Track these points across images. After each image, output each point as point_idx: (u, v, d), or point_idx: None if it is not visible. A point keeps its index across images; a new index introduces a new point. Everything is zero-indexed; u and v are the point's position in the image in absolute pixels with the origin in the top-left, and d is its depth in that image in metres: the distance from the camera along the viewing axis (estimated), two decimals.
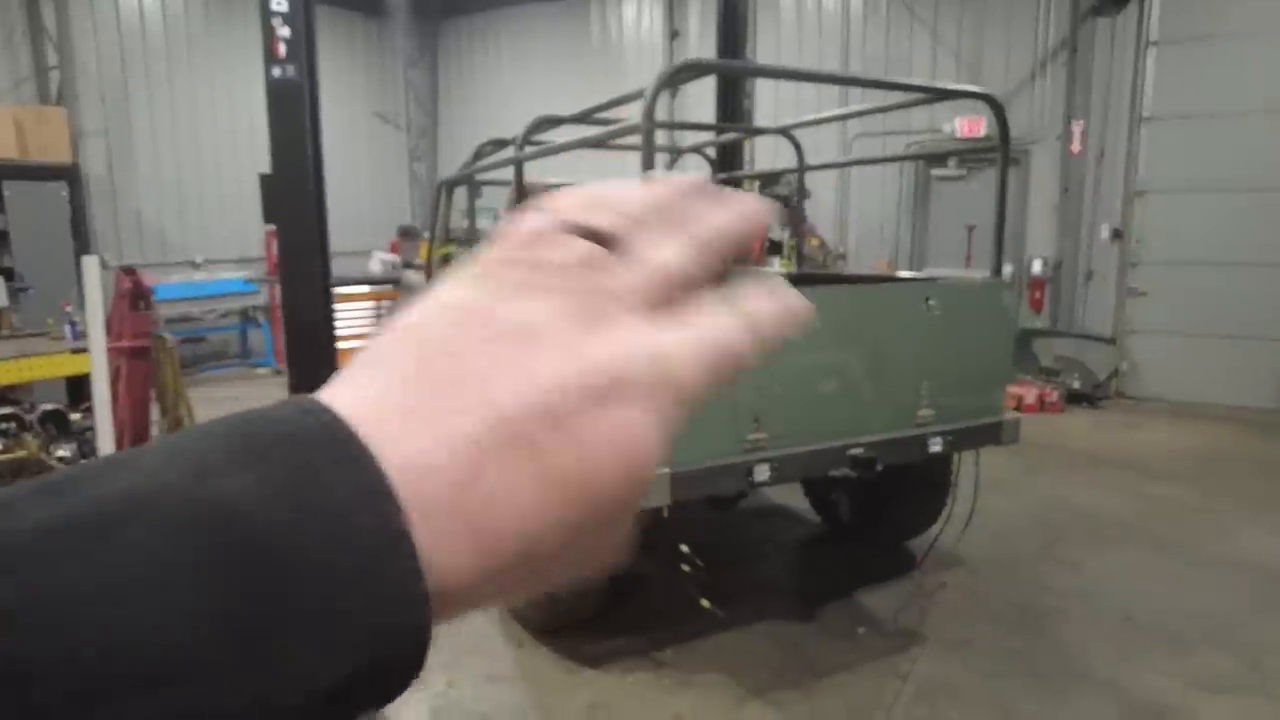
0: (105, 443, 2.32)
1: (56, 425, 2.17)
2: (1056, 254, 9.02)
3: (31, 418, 2.23)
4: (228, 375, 10.08)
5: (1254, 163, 7.55)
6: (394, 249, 9.44)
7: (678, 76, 2.90)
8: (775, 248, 8.77)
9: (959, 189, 9.62)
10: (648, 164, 2.82)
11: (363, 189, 12.64)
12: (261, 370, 10.29)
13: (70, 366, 4.65)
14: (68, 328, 5.36)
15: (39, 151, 7.82)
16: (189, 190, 10.77)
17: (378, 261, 9.43)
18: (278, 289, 10.20)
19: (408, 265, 8.83)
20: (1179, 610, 3.88)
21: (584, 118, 4.12)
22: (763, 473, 3.04)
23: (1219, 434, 7.11)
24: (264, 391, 9.17)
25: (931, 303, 3.42)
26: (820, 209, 10.10)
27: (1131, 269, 8.34)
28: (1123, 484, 5.75)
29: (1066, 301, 9.07)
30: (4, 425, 2.11)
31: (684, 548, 3.40)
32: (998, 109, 3.52)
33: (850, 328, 3.30)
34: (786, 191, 8.86)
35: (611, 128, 3.33)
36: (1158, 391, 8.25)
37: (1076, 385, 8.21)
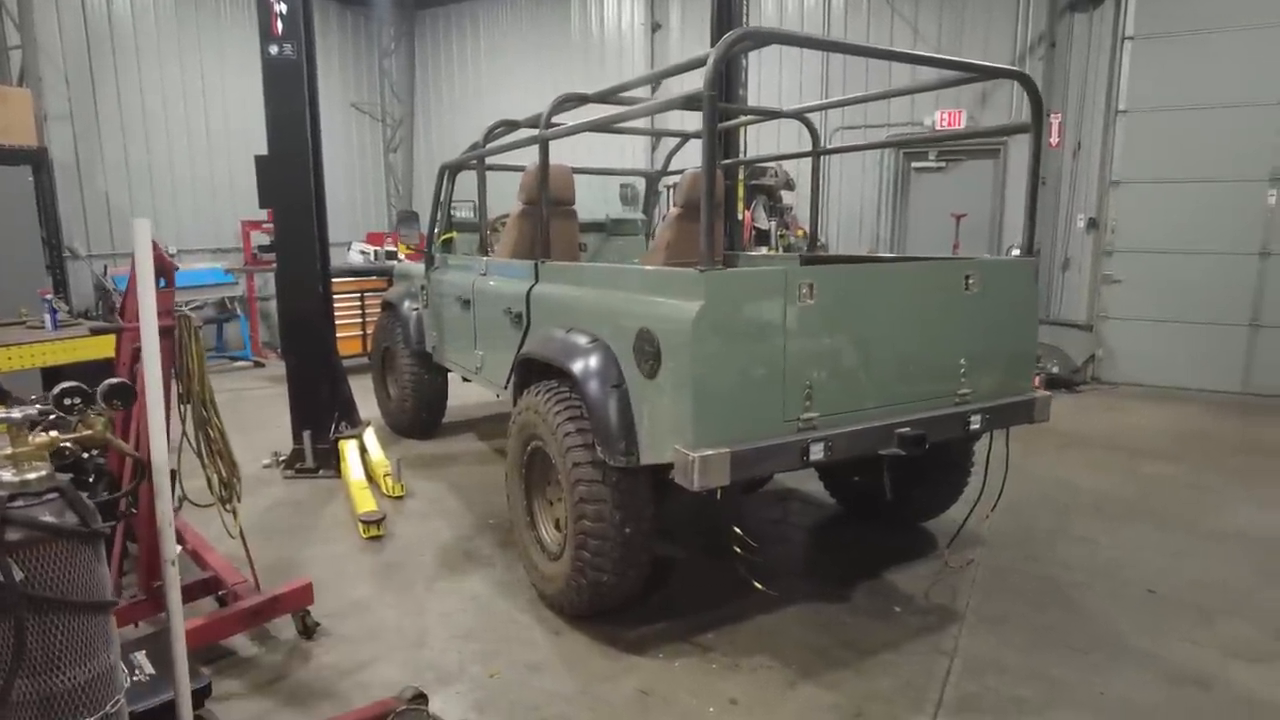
0: (157, 425, 2.19)
1: (122, 400, 1.99)
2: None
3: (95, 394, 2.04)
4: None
5: (1224, 155, 7.80)
6: (389, 239, 9.22)
7: (739, 44, 2.84)
8: (763, 237, 8.81)
9: (937, 180, 9.77)
10: (710, 135, 2.72)
11: (339, 180, 12.32)
12: (240, 364, 9.92)
13: (91, 350, 4.43)
14: (48, 316, 5.09)
15: (1, 134, 7.39)
16: (160, 178, 10.31)
17: (357, 253, 9.22)
18: (255, 280, 9.93)
19: (390, 256, 8.64)
20: (1195, 582, 3.97)
21: (607, 97, 4.03)
22: (818, 451, 2.99)
23: (1193, 415, 7.35)
24: (243, 385, 8.88)
25: (971, 280, 3.43)
26: (801, 200, 10.17)
27: (1106, 257, 8.56)
28: (1116, 464, 5.90)
29: (1044, 289, 9.27)
30: (70, 401, 1.92)
31: (737, 529, 3.34)
32: (1031, 87, 3.53)
33: (895, 306, 3.28)
34: (772, 183, 8.91)
35: (664, 100, 3.23)
36: (1132, 376, 8.49)
37: (1056, 371, 8.41)
